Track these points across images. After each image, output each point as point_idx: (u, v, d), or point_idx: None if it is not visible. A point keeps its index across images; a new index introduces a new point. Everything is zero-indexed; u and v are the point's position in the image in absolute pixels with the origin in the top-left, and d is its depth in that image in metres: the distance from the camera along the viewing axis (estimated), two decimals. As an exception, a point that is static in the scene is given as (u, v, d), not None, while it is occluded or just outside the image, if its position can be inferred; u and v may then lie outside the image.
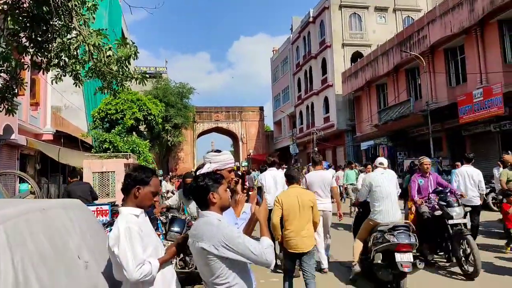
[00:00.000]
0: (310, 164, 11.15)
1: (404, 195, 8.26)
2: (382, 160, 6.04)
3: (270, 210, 4.70)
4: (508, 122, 17.63)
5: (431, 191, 6.74)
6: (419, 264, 4.90)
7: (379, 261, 5.15)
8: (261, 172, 9.76)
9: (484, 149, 19.02)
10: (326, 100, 36.12)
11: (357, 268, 5.61)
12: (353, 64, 32.15)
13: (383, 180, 5.57)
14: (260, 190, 2.75)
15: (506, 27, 18.25)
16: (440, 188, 6.70)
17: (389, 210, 5.41)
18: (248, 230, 2.53)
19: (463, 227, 6.10)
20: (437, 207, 6.41)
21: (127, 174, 2.52)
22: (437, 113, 21.12)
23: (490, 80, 18.45)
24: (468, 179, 7.66)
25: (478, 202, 7.62)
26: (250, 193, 2.87)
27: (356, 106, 33.16)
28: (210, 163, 2.96)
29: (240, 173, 4.49)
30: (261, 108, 53.99)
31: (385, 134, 27.50)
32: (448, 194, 6.45)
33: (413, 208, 6.88)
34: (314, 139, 34.85)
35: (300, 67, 41.73)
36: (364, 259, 5.61)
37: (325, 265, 6.28)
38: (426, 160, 6.93)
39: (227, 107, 52.84)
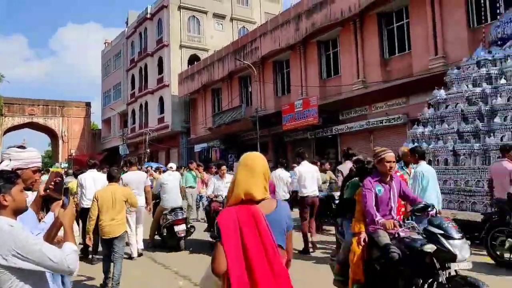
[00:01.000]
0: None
1: (340, 211, 5.33)
2: (172, 164, 9.33)
3: (87, 210, 6.04)
4: (321, 131, 20.23)
5: (393, 207, 4.06)
6: (192, 229, 8.13)
7: (165, 234, 8.02)
8: (75, 176, 9.07)
9: (302, 153, 21.34)
10: (161, 100, 35.30)
11: (151, 244, 8.28)
12: (190, 66, 32.29)
13: (169, 179, 8.20)
14: (67, 191, 2.39)
15: (323, 47, 21.01)
16: (417, 202, 4.04)
17: (172, 199, 8.00)
18: (50, 236, 2.28)
19: (473, 280, 3.31)
20: (416, 237, 3.71)
21: None
22: (265, 120, 22.80)
23: (309, 92, 20.89)
24: (279, 181, 8.77)
25: (287, 197, 8.64)
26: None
27: (192, 108, 33.39)
28: (10, 160, 2.57)
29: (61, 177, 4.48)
30: (88, 104, 49.47)
31: (218, 137, 28.35)
32: (438, 215, 3.89)
33: (363, 236, 3.95)
34: (147, 140, 33.59)
35: (135, 64, 39.82)
36: (160, 234, 8.26)
37: (134, 253, 7.33)
38: (390, 155, 3.99)
39: (46, 100, 46.67)
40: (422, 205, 3.90)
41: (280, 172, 9.01)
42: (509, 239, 5.42)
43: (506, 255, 5.94)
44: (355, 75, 18.50)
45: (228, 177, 7.91)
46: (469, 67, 9.08)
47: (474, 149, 7.98)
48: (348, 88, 18.71)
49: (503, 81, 8.14)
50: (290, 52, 22.53)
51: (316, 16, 19.75)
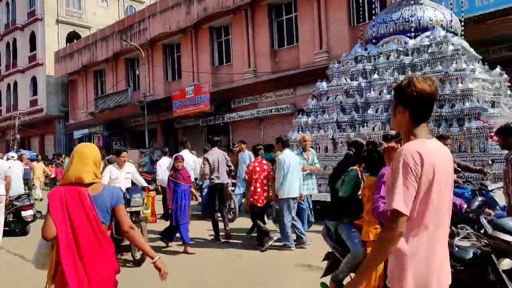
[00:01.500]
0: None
1: (334, 212, 3.89)
2: (13, 154, 9.54)
3: None
4: (213, 118, 20.14)
5: None
6: (38, 214, 8.33)
7: (10, 219, 8.18)
8: None
9: (193, 140, 21.03)
10: (34, 80, 31.44)
11: None
12: (69, 44, 29.32)
13: (13, 168, 8.35)
14: None
15: (215, 34, 20.80)
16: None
17: (14, 187, 8.05)
18: None
19: None
20: (463, 244, 2.83)
21: None
22: (153, 105, 21.90)
23: (201, 79, 20.57)
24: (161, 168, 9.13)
25: None
26: None
27: (71, 91, 30.47)
28: None
29: None
30: None
31: (101, 123, 26.42)
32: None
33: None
34: (17, 125, 29.67)
35: (0, 37, 34.68)
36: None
37: None
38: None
39: None
40: (479, 201, 2.92)
41: (164, 161, 9.33)
42: None
43: None
44: (246, 64, 18.73)
45: (128, 167, 6.77)
46: (348, 62, 9.76)
47: (350, 138, 8.62)
48: (240, 77, 18.88)
49: (376, 76, 8.92)
50: (181, 36, 21.85)
51: (208, 1, 19.42)
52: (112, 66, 26.26)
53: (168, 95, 21.65)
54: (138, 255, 5.69)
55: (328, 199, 6.76)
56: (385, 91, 8.65)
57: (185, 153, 8.33)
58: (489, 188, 5.25)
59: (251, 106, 18.73)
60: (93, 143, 26.27)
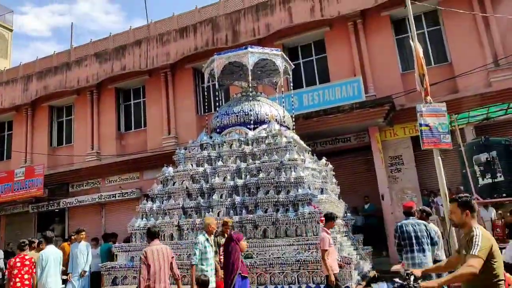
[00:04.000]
0: None
1: None
2: None
3: None
4: (46, 204, 17.80)
5: None
6: None
7: None
8: None
9: (20, 229, 18.14)
10: None
11: None
12: None
13: None
14: None
15: (55, 113, 19.30)
16: None
17: None
18: None
19: None
20: None
21: None
22: (-31, 190, 18.40)
23: (35, 160, 18.38)
24: None
25: None
26: None
27: None
28: None
29: None
30: None
31: None
32: None
33: None
34: None
35: None
36: None
37: None
38: None
39: None
40: None
41: None
42: None
43: None
44: (89, 145, 17.60)
45: None
46: (194, 148, 10.03)
47: (196, 223, 8.54)
48: (81, 159, 17.50)
49: (220, 163, 9.29)
50: (14, 113, 19.67)
51: (49, 80, 18.27)
52: None
53: (-7, 177, 18.56)
54: None
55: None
56: (228, 177, 9.02)
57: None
58: None
59: (92, 190, 17.28)
60: None
